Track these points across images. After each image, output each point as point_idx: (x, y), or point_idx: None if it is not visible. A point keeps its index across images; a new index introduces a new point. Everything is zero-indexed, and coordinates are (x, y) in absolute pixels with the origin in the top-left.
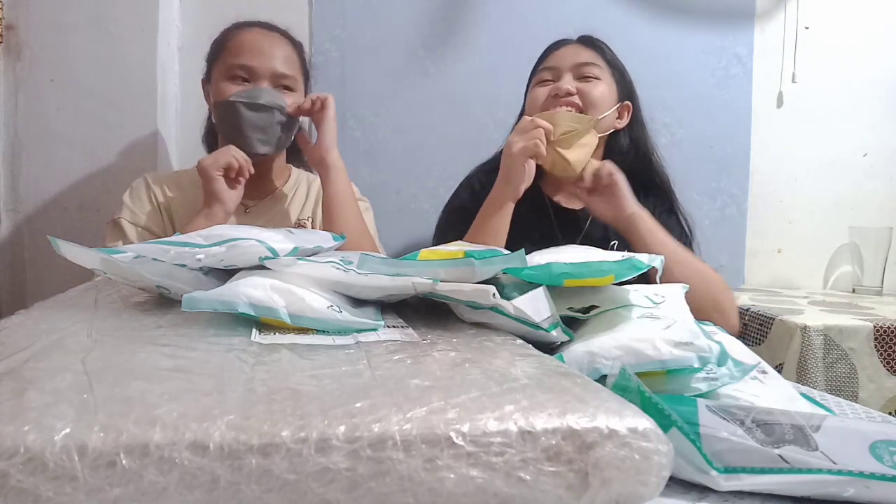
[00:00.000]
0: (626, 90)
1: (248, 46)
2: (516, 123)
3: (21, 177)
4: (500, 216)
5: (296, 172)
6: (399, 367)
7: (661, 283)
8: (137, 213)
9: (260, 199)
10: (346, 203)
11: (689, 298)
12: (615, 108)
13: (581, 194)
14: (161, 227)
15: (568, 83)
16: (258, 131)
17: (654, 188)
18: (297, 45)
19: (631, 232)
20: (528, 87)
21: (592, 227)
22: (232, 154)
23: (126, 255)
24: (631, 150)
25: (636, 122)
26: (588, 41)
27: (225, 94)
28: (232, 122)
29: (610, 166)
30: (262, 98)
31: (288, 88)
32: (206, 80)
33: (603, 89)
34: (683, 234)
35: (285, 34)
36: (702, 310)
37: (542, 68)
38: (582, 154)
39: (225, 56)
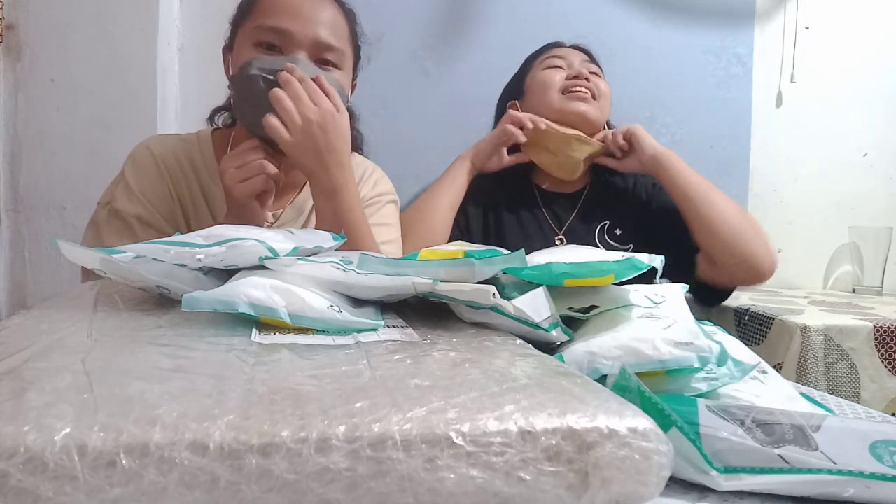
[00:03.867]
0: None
1: (285, 5)
2: (503, 101)
3: (21, 177)
4: (456, 167)
5: None
6: (399, 367)
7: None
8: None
9: (283, 205)
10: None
11: (729, 229)
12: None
13: (613, 164)
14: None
15: (581, 70)
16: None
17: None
18: (348, 13)
19: (660, 175)
20: (524, 71)
21: (583, 209)
22: (265, 171)
23: (126, 255)
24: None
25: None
26: (583, 49)
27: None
28: (249, 101)
29: (624, 129)
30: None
31: (331, 65)
32: (228, 48)
33: (607, 86)
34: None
35: None
36: (743, 236)
37: (551, 55)
38: (578, 164)
39: (254, 16)
